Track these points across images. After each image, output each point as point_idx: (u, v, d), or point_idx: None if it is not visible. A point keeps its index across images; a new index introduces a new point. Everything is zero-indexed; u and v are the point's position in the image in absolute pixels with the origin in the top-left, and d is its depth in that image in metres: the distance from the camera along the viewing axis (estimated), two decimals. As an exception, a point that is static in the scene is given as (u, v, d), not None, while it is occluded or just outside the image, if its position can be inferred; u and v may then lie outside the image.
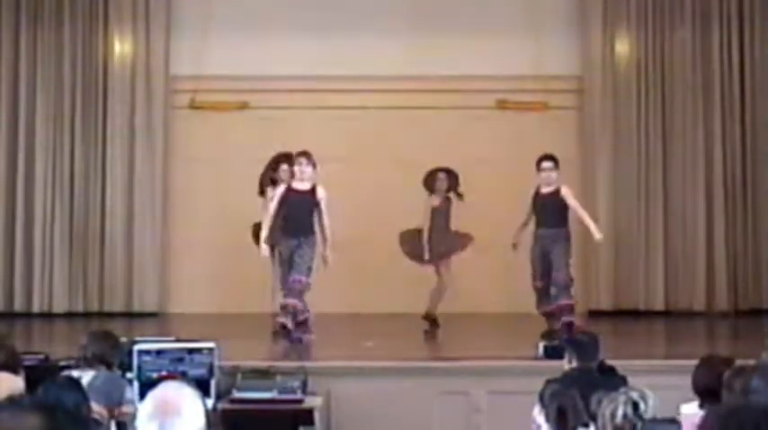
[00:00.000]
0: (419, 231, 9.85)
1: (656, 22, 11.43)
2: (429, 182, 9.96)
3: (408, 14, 11.40)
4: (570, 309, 8.76)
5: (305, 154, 8.73)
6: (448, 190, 9.92)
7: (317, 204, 8.69)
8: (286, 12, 11.40)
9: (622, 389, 3.86)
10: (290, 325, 8.50)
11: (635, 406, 3.72)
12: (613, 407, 3.74)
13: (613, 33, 11.46)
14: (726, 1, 11.40)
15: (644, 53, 11.39)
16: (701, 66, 11.37)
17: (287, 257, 8.68)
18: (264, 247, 8.85)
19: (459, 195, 9.86)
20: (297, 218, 8.68)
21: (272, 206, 8.84)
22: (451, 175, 9.95)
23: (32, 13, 11.30)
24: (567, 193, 8.89)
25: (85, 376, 5.46)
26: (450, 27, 11.34)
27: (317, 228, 8.72)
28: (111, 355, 5.86)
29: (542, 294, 8.85)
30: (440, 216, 9.88)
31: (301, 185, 8.69)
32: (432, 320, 9.75)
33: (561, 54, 11.43)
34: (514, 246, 9.14)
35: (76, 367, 5.66)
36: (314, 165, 8.69)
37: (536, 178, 8.95)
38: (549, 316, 8.80)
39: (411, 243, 9.93)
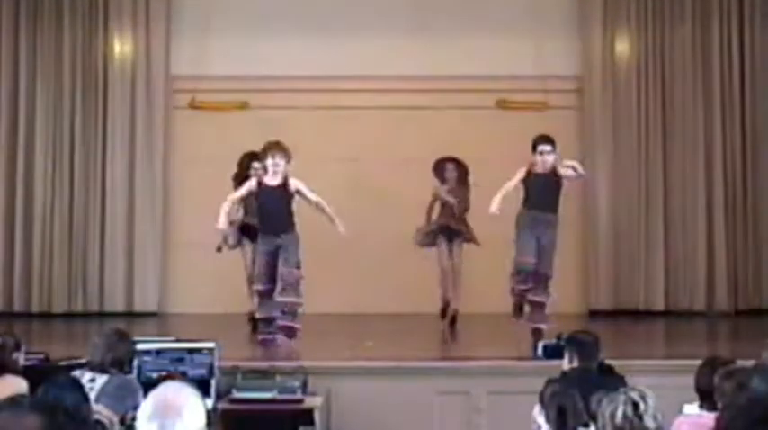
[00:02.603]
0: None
1: (656, 22, 11.43)
2: (438, 171, 10.10)
3: (409, 14, 11.41)
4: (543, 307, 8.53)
5: (278, 146, 8.22)
6: (458, 180, 10.03)
7: (291, 197, 8.23)
8: (286, 12, 11.41)
9: (622, 389, 3.86)
10: (296, 325, 8.17)
11: (635, 406, 3.72)
12: (613, 407, 3.74)
13: (613, 33, 11.47)
14: (726, 0, 11.40)
15: (644, 53, 11.40)
16: (701, 66, 11.37)
17: (269, 257, 8.21)
18: (224, 221, 8.42)
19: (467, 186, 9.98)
20: (273, 215, 8.25)
21: (239, 193, 8.47)
22: (461, 166, 10.07)
23: (32, 12, 11.31)
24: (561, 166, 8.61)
25: (99, 379, 5.42)
26: (450, 27, 11.35)
27: (296, 222, 8.31)
28: (128, 358, 5.83)
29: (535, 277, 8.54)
30: (450, 207, 9.99)
31: (273, 181, 8.19)
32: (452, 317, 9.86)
33: (561, 54, 11.43)
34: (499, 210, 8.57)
35: (91, 370, 5.57)
36: (288, 159, 8.18)
37: (530, 159, 8.77)
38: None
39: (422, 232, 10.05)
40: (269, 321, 8.24)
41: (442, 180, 10.09)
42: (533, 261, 8.40)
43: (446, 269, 9.95)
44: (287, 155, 8.20)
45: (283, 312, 8.15)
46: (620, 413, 3.71)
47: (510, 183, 8.57)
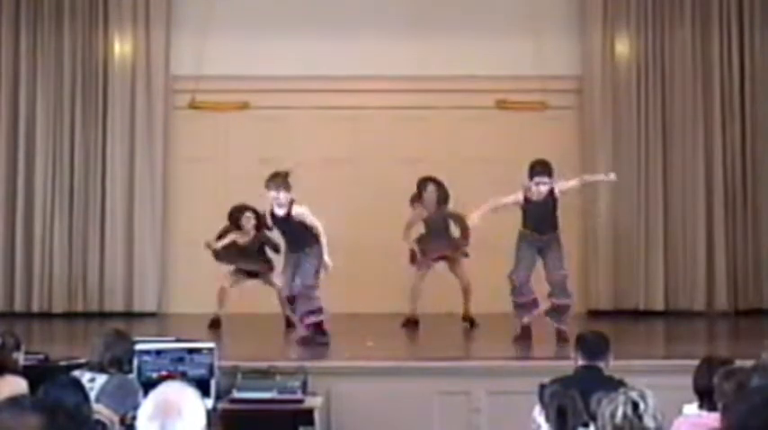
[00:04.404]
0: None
1: (656, 22, 11.43)
2: (418, 189, 10.02)
3: (408, 14, 11.40)
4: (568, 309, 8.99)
5: (275, 179, 8.51)
6: (438, 201, 9.98)
7: (299, 223, 8.62)
8: (286, 12, 11.41)
9: (622, 390, 3.86)
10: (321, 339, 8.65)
11: (635, 406, 3.72)
12: (613, 407, 3.74)
13: (613, 33, 11.46)
14: (726, 1, 11.40)
15: (644, 53, 11.39)
16: (701, 66, 11.37)
17: (292, 266, 8.72)
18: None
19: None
20: (293, 238, 8.71)
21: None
22: (441, 188, 9.99)
23: (32, 13, 11.30)
24: (560, 187, 8.88)
25: (99, 379, 5.42)
26: (450, 27, 11.35)
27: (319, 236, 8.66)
28: (128, 358, 5.83)
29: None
30: (435, 223, 10.01)
31: (280, 211, 8.57)
32: (469, 320, 9.89)
33: (561, 54, 11.43)
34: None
35: (90, 370, 5.57)
36: (287, 188, 8.49)
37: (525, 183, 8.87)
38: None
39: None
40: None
41: (420, 198, 10.00)
42: (524, 278, 8.87)
43: (417, 289, 9.97)
44: (285, 185, 8.50)
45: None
46: (619, 413, 3.71)
47: (502, 200, 8.94)
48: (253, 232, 9.88)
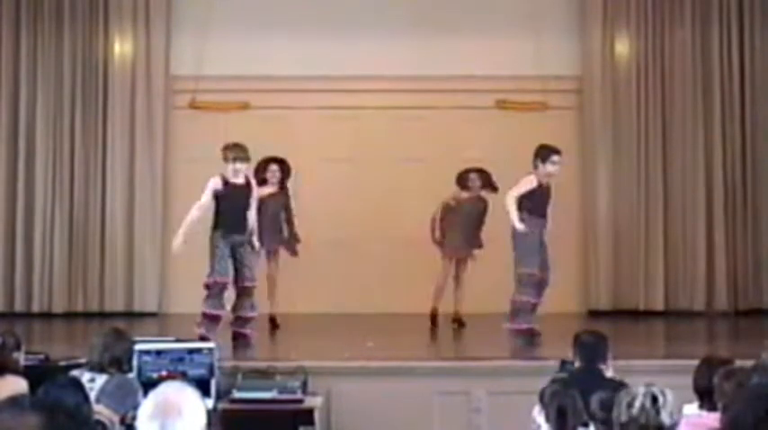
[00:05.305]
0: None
1: (656, 22, 11.43)
2: (461, 181, 10.03)
3: (409, 14, 11.41)
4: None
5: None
6: (482, 187, 9.96)
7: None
8: (287, 12, 11.41)
9: (643, 383, 3.87)
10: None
11: (654, 399, 3.73)
12: (631, 398, 3.75)
13: (613, 33, 11.47)
14: (726, 1, 11.40)
15: (644, 53, 11.40)
16: (701, 66, 11.38)
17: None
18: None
19: (494, 188, 9.85)
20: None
21: None
22: (483, 174, 10.00)
23: (32, 12, 11.30)
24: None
25: (99, 379, 5.42)
26: (450, 27, 11.35)
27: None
28: (127, 358, 5.83)
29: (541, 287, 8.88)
30: (465, 213, 9.91)
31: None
32: (459, 321, 9.87)
33: (561, 54, 11.43)
34: None
35: (90, 370, 5.58)
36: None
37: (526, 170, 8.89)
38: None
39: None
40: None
41: (466, 187, 9.99)
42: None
43: (441, 287, 9.91)
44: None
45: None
46: (638, 403, 3.72)
47: (521, 190, 8.74)
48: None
